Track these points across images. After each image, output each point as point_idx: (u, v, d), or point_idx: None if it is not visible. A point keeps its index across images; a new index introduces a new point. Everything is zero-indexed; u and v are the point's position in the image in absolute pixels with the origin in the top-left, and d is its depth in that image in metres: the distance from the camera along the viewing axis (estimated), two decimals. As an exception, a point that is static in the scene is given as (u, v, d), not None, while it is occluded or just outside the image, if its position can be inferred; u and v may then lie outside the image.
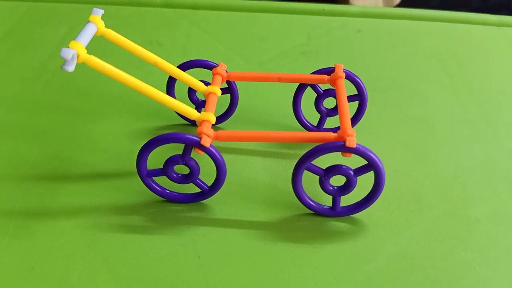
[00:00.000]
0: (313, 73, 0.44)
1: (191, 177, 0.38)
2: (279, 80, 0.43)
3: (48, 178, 0.41)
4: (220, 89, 0.42)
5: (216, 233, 0.37)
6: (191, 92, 0.46)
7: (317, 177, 0.38)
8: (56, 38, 0.60)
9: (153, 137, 0.36)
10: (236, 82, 0.45)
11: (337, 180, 0.38)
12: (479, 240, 0.37)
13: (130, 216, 0.38)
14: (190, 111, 0.38)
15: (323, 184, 0.37)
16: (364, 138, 0.45)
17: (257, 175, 0.42)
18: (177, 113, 0.47)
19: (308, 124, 0.46)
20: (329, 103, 0.47)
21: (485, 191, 0.41)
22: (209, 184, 0.38)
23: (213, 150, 0.36)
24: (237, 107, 0.46)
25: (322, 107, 0.45)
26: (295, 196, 0.38)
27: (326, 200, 0.39)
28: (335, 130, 0.46)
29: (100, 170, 0.42)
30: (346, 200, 0.39)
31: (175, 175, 0.38)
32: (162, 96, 0.37)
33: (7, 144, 0.44)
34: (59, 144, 0.45)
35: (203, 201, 0.39)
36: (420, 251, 0.36)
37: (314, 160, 0.36)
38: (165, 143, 0.36)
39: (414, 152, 0.45)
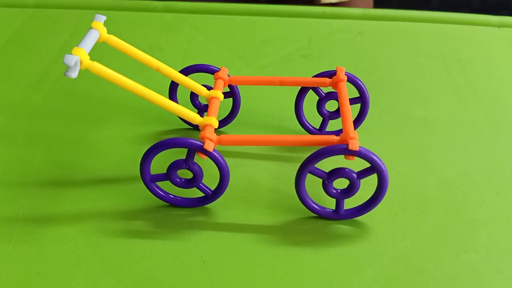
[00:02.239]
0: (314, 76, 0.44)
1: (195, 181, 0.38)
2: (281, 83, 0.43)
3: (51, 184, 0.41)
4: (222, 93, 0.42)
5: (220, 237, 0.37)
6: (194, 96, 0.46)
7: (320, 180, 0.38)
8: (58, 44, 0.60)
9: (156, 142, 0.36)
10: (238, 86, 0.45)
11: (340, 183, 0.38)
12: (483, 242, 0.37)
13: (134, 221, 0.38)
14: (193, 116, 0.38)
15: (327, 187, 0.37)
16: (366, 140, 0.45)
17: (260, 179, 0.42)
18: (179, 117, 0.47)
19: (311, 127, 0.46)
20: (331, 106, 0.47)
21: (488, 193, 0.41)
22: (213, 188, 0.38)
23: (216, 155, 0.36)
24: (239, 111, 0.46)
25: (324, 110, 0.45)
26: (299, 200, 0.38)
27: (330, 203, 0.39)
28: (338, 133, 0.46)
29: (103, 176, 0.42)
30: (350, 203, 0.39)
31: (178, 180, 0.38)
32: (164, 101, 0.37)
33: (11, 151, 0.45)
34: (62, 150, 0.45)
35: (207, 206, 0.40)
36: (424, 254, 0.36)
37: (317, 163, 0.36)
38: (168, 148, 0.36)
39: (417, 154, 0.45)
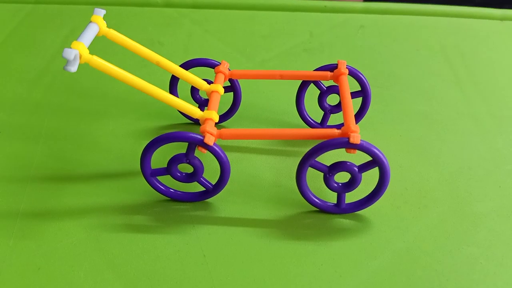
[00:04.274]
0: (316, 70, 0.43)
1: (195, 175, 0.38)
2: (282, 77, 0.43)
3: (52, 179, 0.41)
4: (223, 87, 0.42)
5: (220, 231, 0.37)
6: (194, 91, 0.46)
7: (322, 174, 0.38)
8: (58, 39, 0.60)
9: (156, 136, 0.36)
10: (238, 80, 0.45)
11: (342, 177, 0.38)
12: (485, 235, 0.37)
13: (135, 215, 0.38)
14: (193, 110, 0.38)
15: (328, 181, 0.37)
16: (368, 134, 0.45)
17: (261, 173, 0.42)
18: (180, 112, 0.47)
19: (312, 121, 0.46)
20: (332, 100, 0.47)
21: (490, 186, 0.41)
22: (213, 183, 0.38)
23: (217, 149, 0.36)
24: (240, 105, 0.46)
25: (325, 104, 0.45)
26: (300, 194, 0.38)
27: (331, 197, 0.39)
28: (339, 126, 0.46)
29: (104, 170, 0.42)
30: (351, 197, 0.38)
31: (179, 174, 0.38)
32: (165, 95, 0.37)
33: (11, 146, 0.45)
34: (62, 145, 0.45)
35: (207, 200, 0.39)
36: (426, 247, 0.36)
37: (318, 157, 0.36)
38: (168, 142, 0.36)
39: (419, 148, 0.45)
